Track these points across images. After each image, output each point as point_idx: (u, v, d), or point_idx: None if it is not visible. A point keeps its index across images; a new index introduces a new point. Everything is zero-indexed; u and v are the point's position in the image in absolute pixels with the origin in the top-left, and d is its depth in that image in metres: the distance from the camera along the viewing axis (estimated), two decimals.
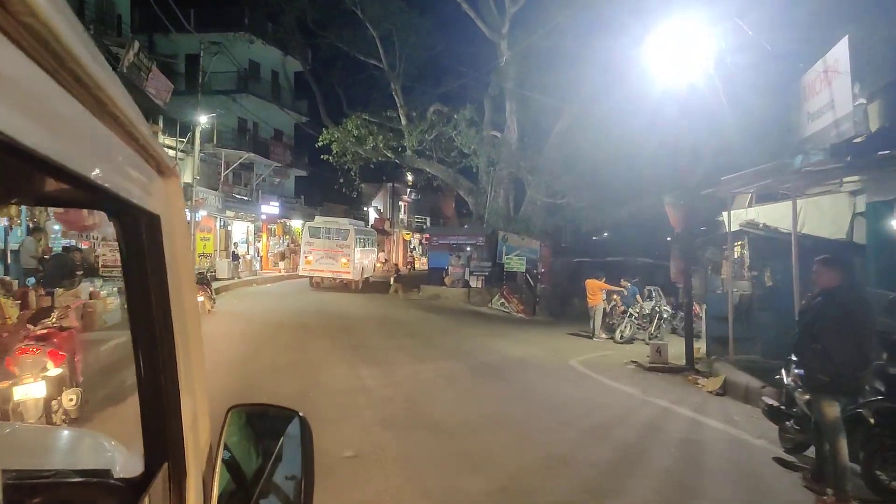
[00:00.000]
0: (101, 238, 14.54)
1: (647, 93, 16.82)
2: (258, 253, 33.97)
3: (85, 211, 13.91)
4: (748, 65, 11.69)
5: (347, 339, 13.56)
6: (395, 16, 28.17)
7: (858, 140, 8.74)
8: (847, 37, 8.62)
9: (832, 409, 5.10)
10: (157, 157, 1.13)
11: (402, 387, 9.05)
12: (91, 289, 11.75)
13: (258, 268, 31.75)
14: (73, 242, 14.33)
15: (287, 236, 37.79)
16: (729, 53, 11.26)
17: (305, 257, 26.34)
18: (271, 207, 33.95)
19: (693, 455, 6.27)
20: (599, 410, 8.24)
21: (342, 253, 26.06)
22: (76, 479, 1.36)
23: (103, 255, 14.25)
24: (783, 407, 5.91)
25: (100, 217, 14.34)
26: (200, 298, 14.11)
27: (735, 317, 11.98)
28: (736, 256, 14.37)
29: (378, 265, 30.74)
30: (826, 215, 12.50)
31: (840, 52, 8.78)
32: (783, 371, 6.06)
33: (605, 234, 36.18)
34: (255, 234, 34.07)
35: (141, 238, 1.10)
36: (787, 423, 5.85)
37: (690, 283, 12.64)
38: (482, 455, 6.05)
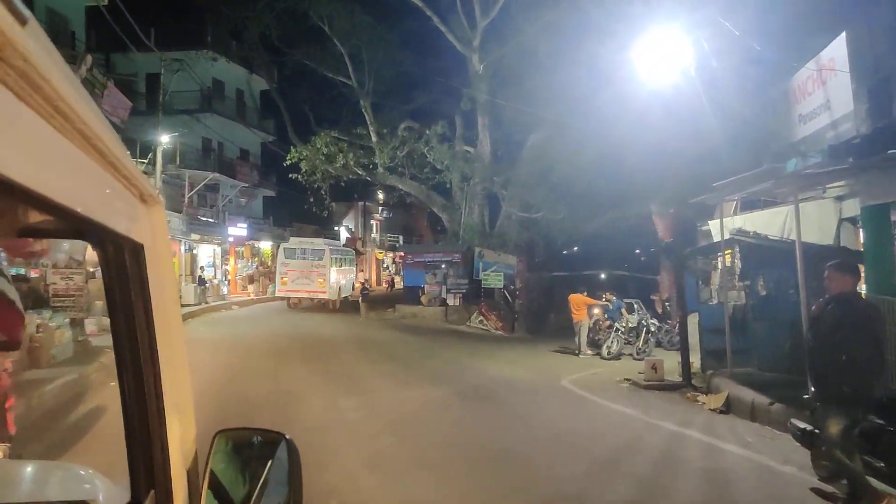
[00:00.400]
0: (51, 265, 13.50)
1: (627, 100, 16.49)
2: (226, 277, 32.83)
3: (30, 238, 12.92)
4: (729, 68, 11.32)
5: (324, 365, 12.75)
6: (363, 31, 27.60)
7: (856, 140, 8.35)
8: (844, 33, 8.22)
9: (841, 424, 4.86)
10: (139, 187, 1.15)
11: (387, 418, 8.29)
12: (38, 321, 10.73)
13: (226, 292, 30.61)
14: (22, 271, 13.29)
15: (256, 259, 36.70)
16: (713, 57, 10.87)
17: (281, 278, 26.43)
18: (239, 229, 32.90)
19: (722, 488, 5.63)
20: (604, 437, 7.58)
21: (318, 273, 26.09)
22: None
23: (54, 283, 13.21)
24: (818, 430, 5.32)
25: (48, 243, 13.37)
26: None
27: (729, 328, 11.52)
28: (723, 266, 13.97)
29: (357, 284, 30.34)
30: (812, 222, 12.17)
31: (836, 50, 8.40)
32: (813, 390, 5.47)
33: (575, 249, 36.00)
34: (222, 257, 32.94)
35: (125, 267, 1.11)
36: (824, 448, 5.26)
37: (685, 295, 12.13)
38: (486, 497, 5.34)
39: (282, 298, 27.42)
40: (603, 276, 28.37)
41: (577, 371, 13.30)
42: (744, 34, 9.51)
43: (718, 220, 14.60)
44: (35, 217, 0.98)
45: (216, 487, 1.35)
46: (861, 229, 11.03)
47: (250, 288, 32.97)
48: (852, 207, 11.70)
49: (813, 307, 5.64)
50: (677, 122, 12.27)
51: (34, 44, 0.61)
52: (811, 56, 9.09)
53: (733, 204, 14.12)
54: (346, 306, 27.07)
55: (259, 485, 1.37)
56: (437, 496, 5.35)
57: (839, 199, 12.08)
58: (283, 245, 28.11)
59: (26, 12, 0.62)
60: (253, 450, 1.45)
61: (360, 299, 25.80)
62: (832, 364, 4.94)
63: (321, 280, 26.04)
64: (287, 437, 1.41)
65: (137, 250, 1.13)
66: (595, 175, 22.16)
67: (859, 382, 4.82)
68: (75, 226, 0.95)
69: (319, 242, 28.10)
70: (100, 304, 15.34)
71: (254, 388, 9.97)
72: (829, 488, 5.30)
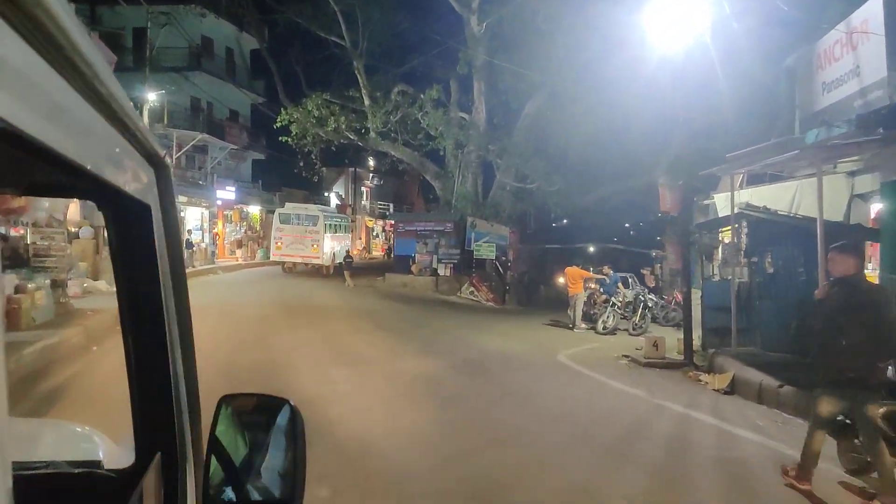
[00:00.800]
0: (31, 224, 12.91)
1: (632, 68, 15.95)
2: (214, 241, 32.18)
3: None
4: (748, 31, 10.72)
5: (313, 333, 12.33)
6: None
7: (884, 111, 7.88)
8: None
9: (837, 406, 4.94)
10: (148, 148, 1.12)
11: (380, 393, 7.90)
12: (17, 281, 10.22)
13: (214, 256, 30.03)
14: (1, 230, 12.72)
15: (244, 223, 36.01)
16: (732, 18, 10.27)
17: (276, 243, 27.08)
18: (227, 192, 32.11)
19: (743, 479, 5.27)
20: (610, 419, 7.21)
21: (312, 238, 26.60)
22: (67, 471, 1.34)
23: (34, 243, 12.64)
24: (849, 421, 4.97)
25: (28, 201, 12.78)
26: None
27: (729, 307, 11.18)
28: (727, 241, 13.61)
29: (355, 252, 30.40)
30: (823, 197, 11.80)
31: (871, 11, 7.86)
32: None
33: (565, 221, 35.68)
34: (210, 220, 32.24)
35: (131, 228, 1.12)
36: (855, 440, 4.92)
37: (689, 270, 11.74)
38: (488, 486, 4.95)
39: (275, 263, 28.00)
40: (593, 249, 28.10)
41: (572, 346, 12.98)
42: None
43: (723, 194, 14.19)
44: (41, 174, 0.92)
45: (220, 452, 1.35)
46: (876, 205, 10.67)
47: (238, 252, 32.38)
48: (866, 183, 11.31)
49: (817, 290, 5.53)
50: (685, 91, 11.71)
51: None
52: (837, 19, 8.55)
53: (739, 177, 13.70)
54: (340, 272, 26.84)
55: (263, 450, 1.39)
56: (433, 481, 4.96)
57: (851, 174, 11.67)
58: (278, 210, 28.46)
59: None
60: (258, 416, 1.44)
61: (343, 268, 25.32)
62: (836, 348, 4.86)
63: (315, 246, 26.52)
64: (292, 403, 1.40)
65: (144, 212, 1.12)
66: (594, 147, 21.67)
67: (863, 366, 4.77)
68: (82, 185, 0.96)
69: (314, 209, 28.43)
70: (83, 265, 14.80)
71: (241, 357, 9.53)
72: (858, 482, 4.97)
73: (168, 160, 1.26)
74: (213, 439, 1.35)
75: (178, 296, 1.27)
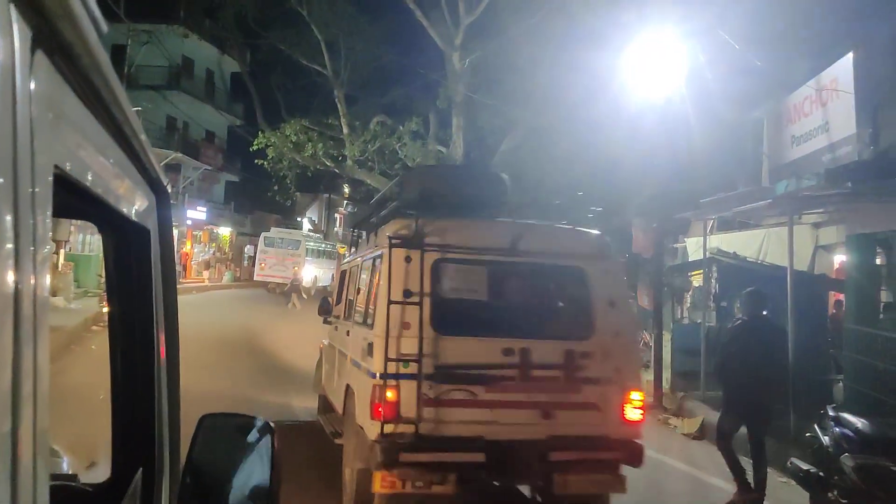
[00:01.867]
0: None
1: (607, 110, 16.26)
2: (181, 261, 31.64)
3: None
4: (720, 78, 10.99)
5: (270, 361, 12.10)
6: (342, 20, 26.69)
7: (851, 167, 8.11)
8: (851, 54, 7.96)
9: (733, 426, 6.10)
10: (152, 174, 1.15)
11: None
12: None
13: (180, 276, 29.51)
14: None
15: (214, 244, 35.53)
16: (706, 67, 10.50)
17: (260, 264, 29.21)
18: (198, 213, 31.77)
19: None
20: None
21: (293, 261, 28.43)
22: None
23: None
24: (822, 473, 4.93)
25: None
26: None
27: (699, 350, 11.24)
28: (696, 285, 13.77)
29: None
30: (787, 247, 12.07)
31: (840, 70, 8.13)
32: (817, 428, 5.10)
33: None
34: (178, 240, 31.74)
35: (129, 251, 1.15)
36: (830, 494, 4.87)
37: (661, 313, 11.80)
38: None
39: (244, 286, 30.25)
40: None
41: None
42: (742, 46, 9.18)
43: (694, 238, 14.43)
44: None
45: (200, 470, 1.38)
46: (840, 257, 10.92)
47: (205, 274, 31.86)
48: (830, 235, 11.59)
49: (728, 325, 6.83)
50: (663, 135, 11.92)
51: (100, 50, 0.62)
52: (808, 73, 8.82)
53: (710, 223, 13.96)
54: (316, 297, 26.75)
55: (241, 469, 1.41)
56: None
57: (816, 226, 11.96)
58: (264, 234, 30.78)
59: (103, 24, 0.63)
60: (237, 435, 1.47)
61: (290, 289, 24.91)
62: (736, 377, 5.82)
63: (296, 268, 27.93)
64: (270, 423, 1.43)
65: (143, 236, 1.13)
66: (566, 185, 21.99)
67: (757, 394, 5.79)
68: (85, 206, 0.95)
69: (298, 234, 30.97)
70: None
71: (200, 385, 9.23)
72: None
73: (169, 187, 1.30)
74: (193, 457, 1.37)
75: (169, 320, 1.27)
